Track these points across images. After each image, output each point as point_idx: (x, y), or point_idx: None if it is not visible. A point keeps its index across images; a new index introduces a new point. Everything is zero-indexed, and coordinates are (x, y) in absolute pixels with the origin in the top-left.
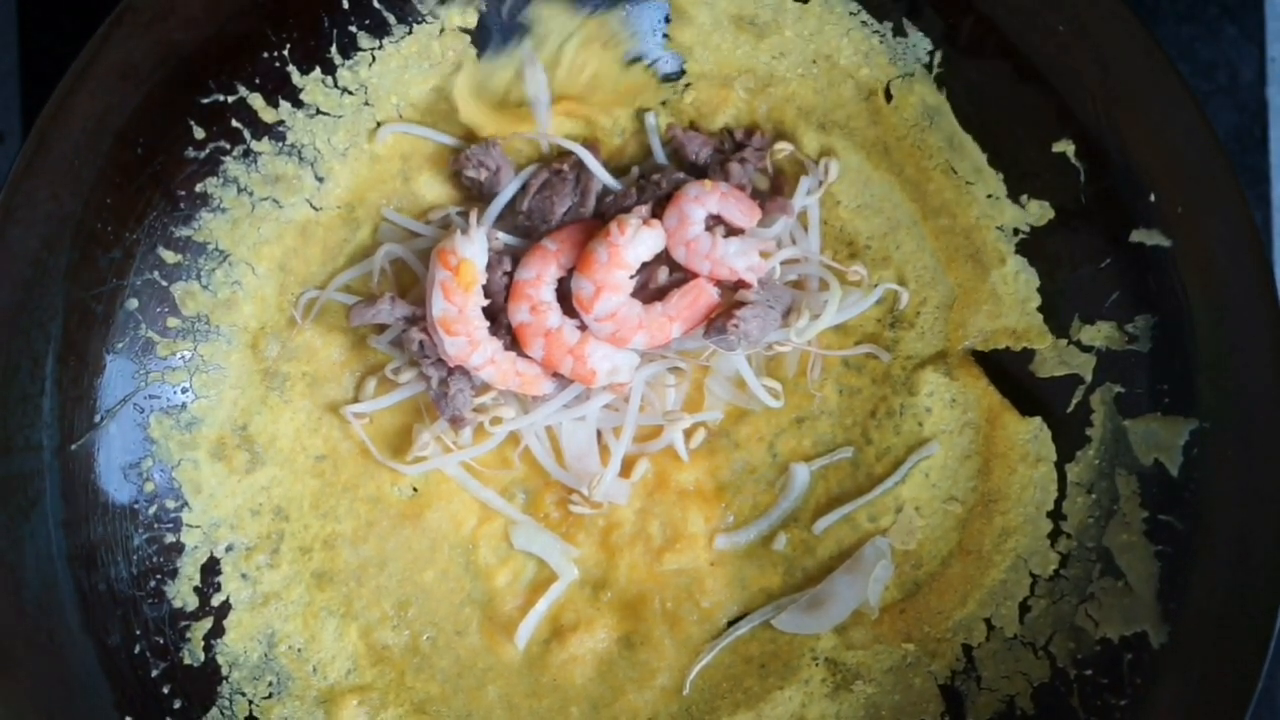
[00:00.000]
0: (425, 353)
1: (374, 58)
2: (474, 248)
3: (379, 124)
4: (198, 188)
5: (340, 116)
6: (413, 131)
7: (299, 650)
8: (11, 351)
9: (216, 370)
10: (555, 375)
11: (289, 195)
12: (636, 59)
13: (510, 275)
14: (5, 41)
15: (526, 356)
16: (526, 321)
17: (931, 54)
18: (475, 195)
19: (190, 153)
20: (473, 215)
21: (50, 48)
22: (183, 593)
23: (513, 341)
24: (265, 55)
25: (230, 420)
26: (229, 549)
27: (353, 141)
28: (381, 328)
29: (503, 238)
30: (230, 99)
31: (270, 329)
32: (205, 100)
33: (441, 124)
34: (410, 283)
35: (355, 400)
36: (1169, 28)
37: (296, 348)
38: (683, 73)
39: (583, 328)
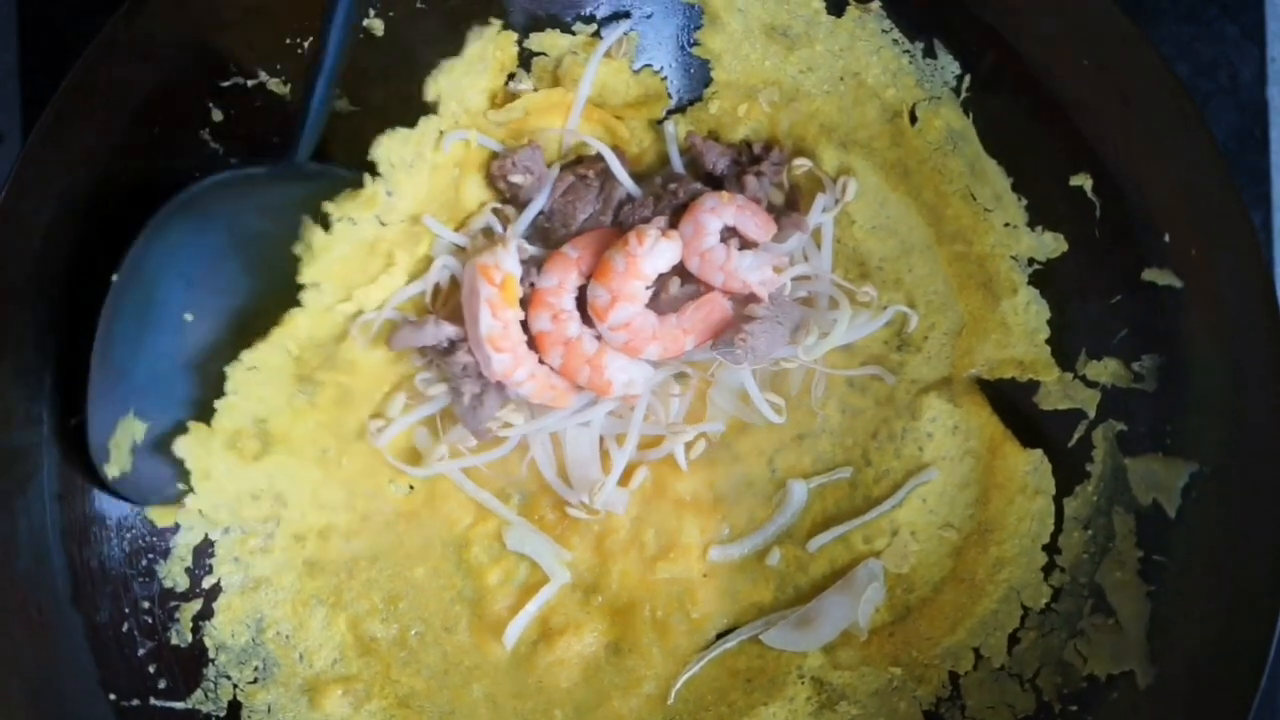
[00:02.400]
0: (466, 372)
1: (451, 67)
2: (513, 260)
3: (441, 132)
4: (213, 169)
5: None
6: (469, 138)
7: (287, 637)
8: (18, 323)
9: (253, 371)
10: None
11: (364, 212)
12: (646, 66)
13: (531, 283)
14: (5, 41)
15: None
16: (547, 330)
17: (960, 78)
18: (508, 200)
19: (206, 135)
20: (509, 228)
21: (50, 48)
22: (173, 573)
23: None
24: (289, 41)
25: (251, 414)
26: (225, 532)
27: (419, 153)
28: None
29: (528, 247)
30: (250, 83)
31: (318, 340)
32: (225, 83)
33: (486, 127)
34: (451, 290)
35: (378, 410)
36: (1169, 28)
37: (339, 360)
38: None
39: (599, 337)
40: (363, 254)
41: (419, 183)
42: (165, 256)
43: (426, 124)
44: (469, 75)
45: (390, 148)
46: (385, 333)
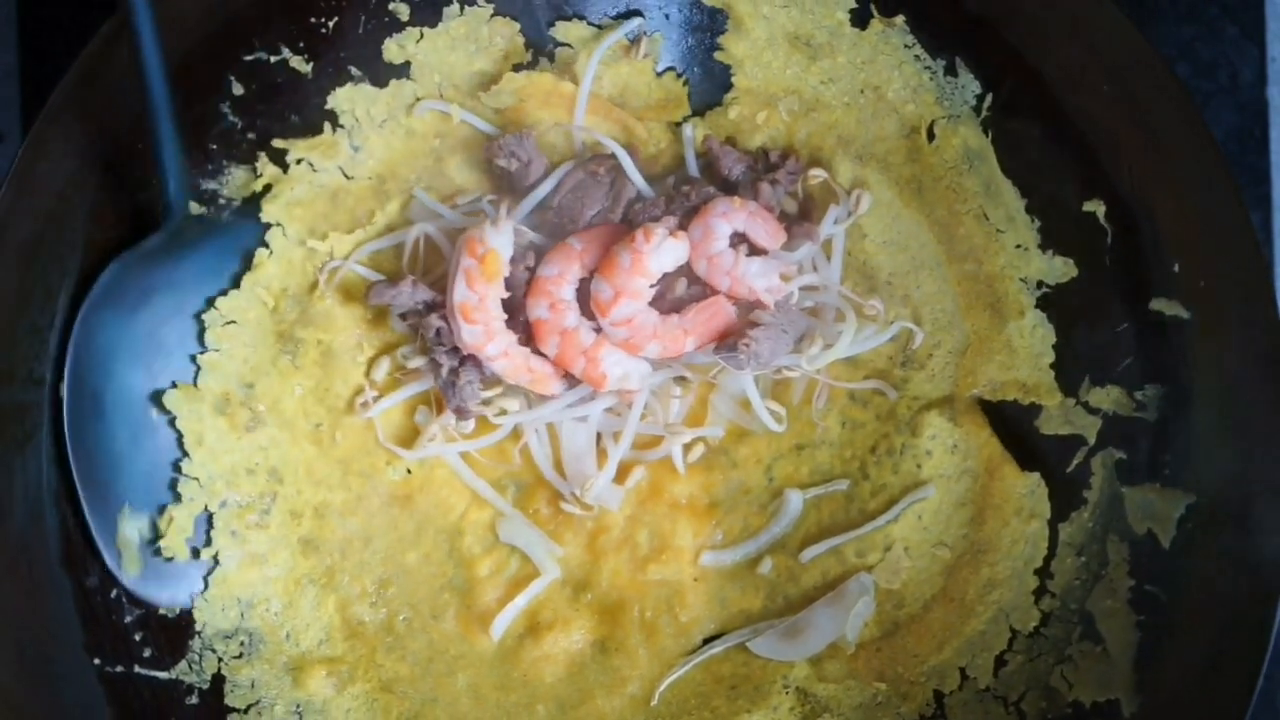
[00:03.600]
0: (440, 340)
1: (422, 34)
2: (502, 239)
3: (418, 99)
4: (230, 143)
5: (382, 87)
6: (450, 111)
7: (276, 614)
8: (26, 282)
9: (231, 325)
10: (565, 376)
11: (324, 160)
12: (669, 69)
13: (532, 271)
14: (5, 41)
15: (540, 355)
16: (544, 317)
17: (980, 98)
18: (505, 185)
19: (225, 108)
20: (503, 206)
21: (50, 48)
22: (173, 544)
23: (527, 338)
24: (314, 20)
25: (238, 377)
26: (223, 504)
27: (390, 114)
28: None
29: (529, 234)
30: (273, 59)
31: (292, 292)
32: (248, 57)
33: (480, 109)
34: (433, 262)
35: (366, 375)
36: (1169, 28)
37: (315, 314)
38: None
39: (599, 330)
40: (325, 202)
41: (392, 144)
42: (102, 360)
43: (399, 87)
44: (455, 51)
45: (351, 99)
46: (360, 287)
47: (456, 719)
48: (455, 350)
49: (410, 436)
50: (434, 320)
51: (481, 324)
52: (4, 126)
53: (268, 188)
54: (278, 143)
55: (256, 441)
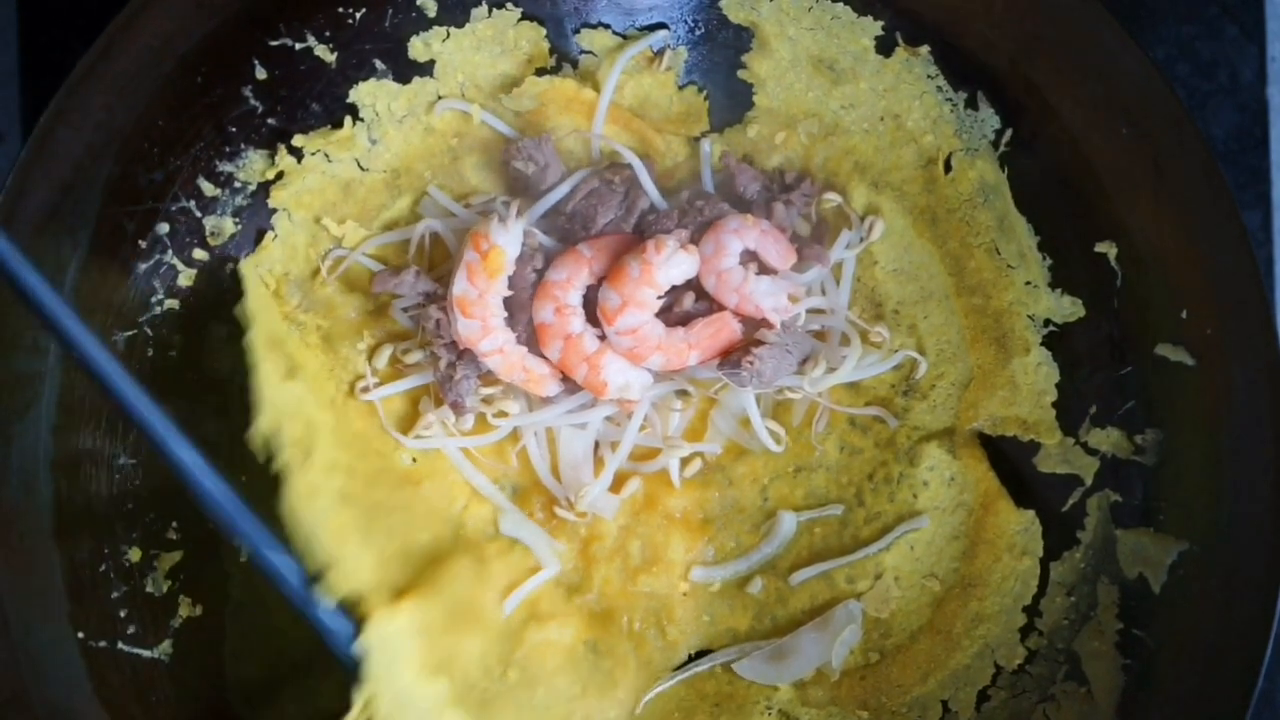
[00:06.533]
0: (440, 332)
1: (448, 33)
2: (508, 237)
3: (440, 97)
4: (249, 127)
5: (405, 84)
6: (470, 112)
7: None
8: (36, 250)
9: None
10: (564, 380)
11: (340, 152)
12: (690, 83)
13: (540, 274)
14: (5, 41)
15: (540, 356)
16: (549, 321)
17: (999, 133)
18: (519, 188)
19: (247, 91)
20: (514, 206)
21: (50, 48)
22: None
23: (530, 339)
24: (341, 10)
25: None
26: None
27: (411, 111)
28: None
29: (540, 237)
30: (298, 46)
31: (294, 277)
32: (274, 43)
33: (501, 111)
34: (440, 259)
35: (368, 362)
36: (1169, 28)
37: (316, 300)
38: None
39: (603, 338)
40: (336, 191)
41: (410, 140)
42: None
43: (421, 84)
44: (480, 52)
45: (373, 94)
46: (363, 277)
47: None
48: (453, 344)
49: (415, 423)
50: (433, 311)
51: (479, 319)
52: (4, 126)
53: (280, 174)
54: (297, 139)
55: (293, 391)
